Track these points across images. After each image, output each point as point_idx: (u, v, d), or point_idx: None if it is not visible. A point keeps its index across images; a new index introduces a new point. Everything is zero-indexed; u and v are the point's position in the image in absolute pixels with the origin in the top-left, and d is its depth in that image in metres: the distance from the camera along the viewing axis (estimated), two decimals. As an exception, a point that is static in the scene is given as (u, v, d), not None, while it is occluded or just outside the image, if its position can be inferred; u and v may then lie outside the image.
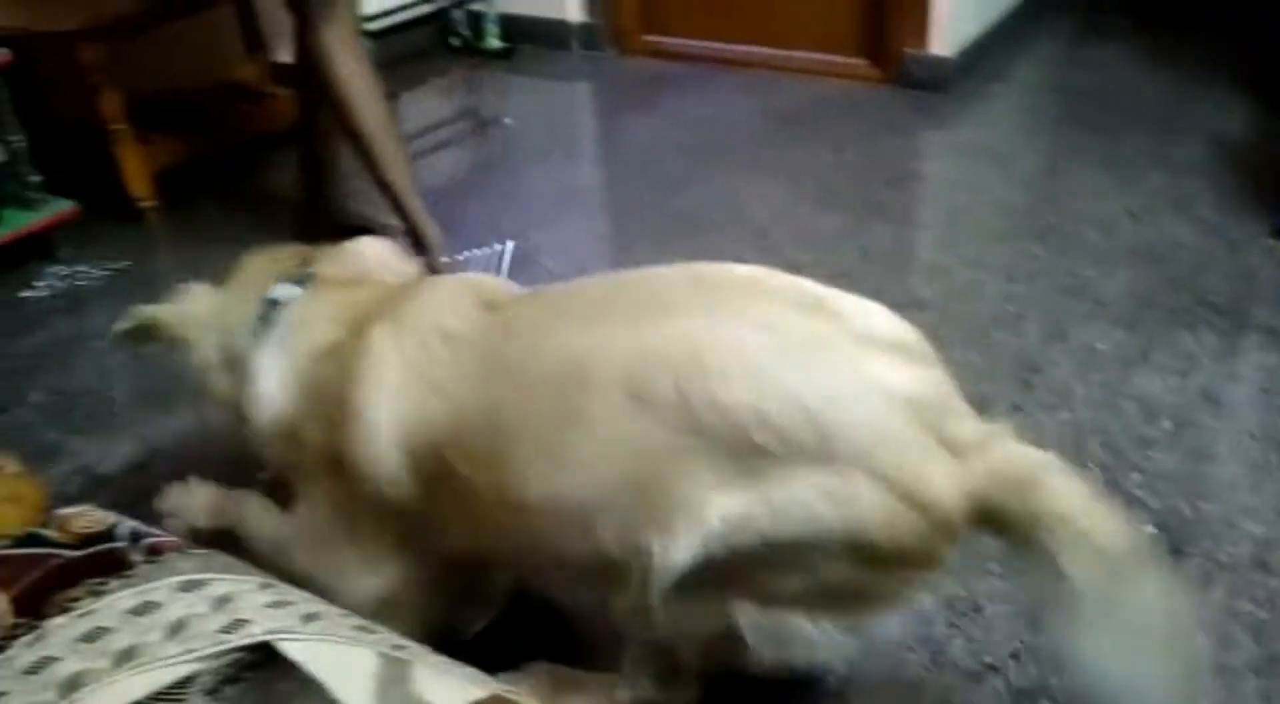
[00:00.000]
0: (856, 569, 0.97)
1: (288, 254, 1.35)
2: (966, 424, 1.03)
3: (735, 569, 0.97)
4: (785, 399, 0.93)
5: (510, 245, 2.37)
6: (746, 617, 1.01)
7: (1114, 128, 2.89)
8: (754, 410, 0.93)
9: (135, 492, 1.72)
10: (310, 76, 2.29)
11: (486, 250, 2.29)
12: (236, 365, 1.25)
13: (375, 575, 1.17)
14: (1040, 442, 1.67)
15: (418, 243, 2.23)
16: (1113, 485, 1.60)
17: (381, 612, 1.10)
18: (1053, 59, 3.56)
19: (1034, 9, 3.78)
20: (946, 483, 0.96)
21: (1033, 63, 3.50)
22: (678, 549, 0.94)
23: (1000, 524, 1.01)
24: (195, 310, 1.32)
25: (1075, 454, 1.68)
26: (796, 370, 0.95)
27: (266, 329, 1.21)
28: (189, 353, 1.32)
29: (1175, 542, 1.49)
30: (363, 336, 1.12)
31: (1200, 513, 1.54)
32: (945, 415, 1.00)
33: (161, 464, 1.80)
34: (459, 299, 1.14)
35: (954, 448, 0.98)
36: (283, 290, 1.24)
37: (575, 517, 1.00)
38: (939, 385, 1.03)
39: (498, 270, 2.26)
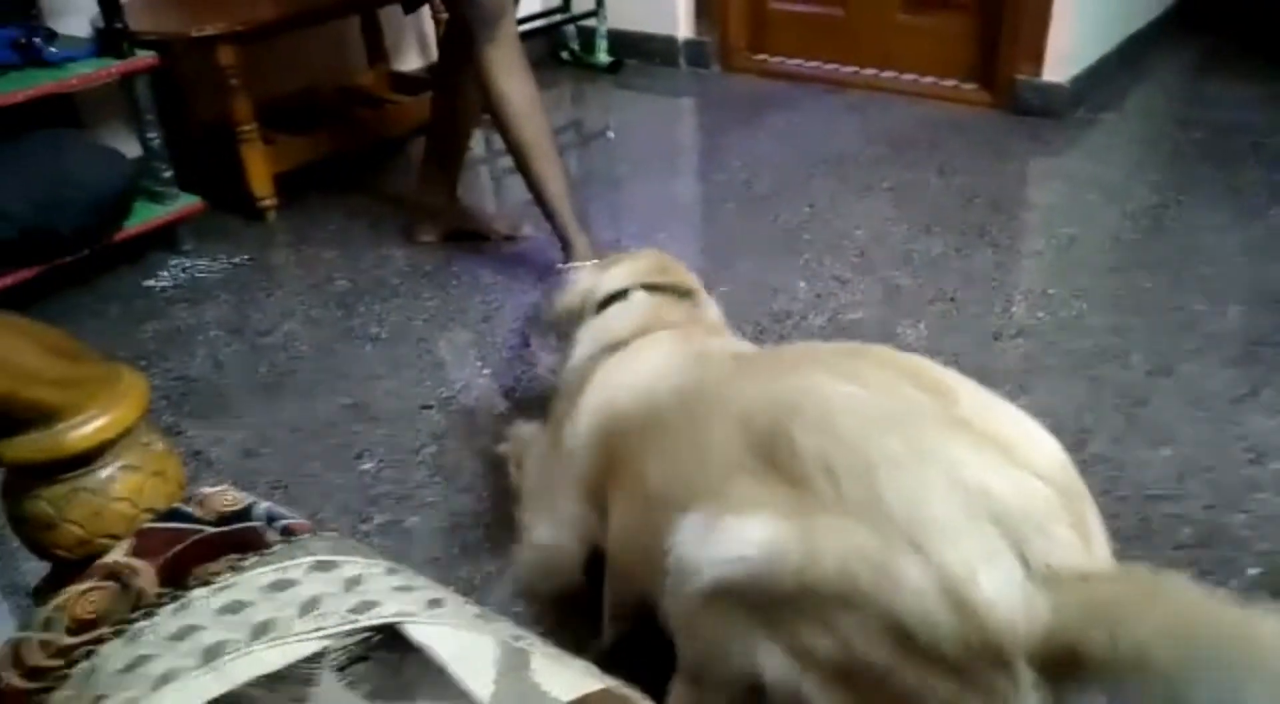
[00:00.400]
0: (889, 652, 0.88)
1: (665, 269, 1.60)
2: (1062, 551, 0.87)
3: (768, 604, 0.95)
4: (851, 451, 0.93)
5: None
6: (774, 667, 0.96)
7: (1232, 162, 2.81)
8: (819, 455, 0.94)
9: (246, 476, 1.82)
10: (448, 85, 2.39)
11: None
12: (575, 323, 1.54)
13: (551, 528, 1.43)
14: (1143, 477, 1.67)
15: (569, 252, 2.30)
16: (1216, 525, 1.57)
17: (539, 563, 1.44)
18: (1170, 91, 3.47)
19: (1152, 39, 3.70)
20: (1004, 596, 0.84)
21: (1149, 93, 3.43)
22: (712, 553, 0.96)
23: (1084, 673, 0.84)
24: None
25: (1178, 490, 1.65)
26: (871, 428, 0.94)
27: (594, 317, 1.50)
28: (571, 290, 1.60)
29: (1278, 585, 1.45)
30: (646, 336, 1.38)
31: (1308, 559, 1.50)
32: (1033, 531, 0.87)
33: (270, 452, 1.88)
34: (736, 345, 1.42)
35: (1033, 566, 0.85)
36: (639, 294, 1.50)
37: (663, 513, 1.06)
38: (1039, 499, 0.89)
39: None
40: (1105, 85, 3.36)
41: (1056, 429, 1.80)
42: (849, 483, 0.91)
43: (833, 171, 2.93)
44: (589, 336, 1.47)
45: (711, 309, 1.57)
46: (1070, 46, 3.13)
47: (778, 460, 0.98)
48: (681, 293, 1.52)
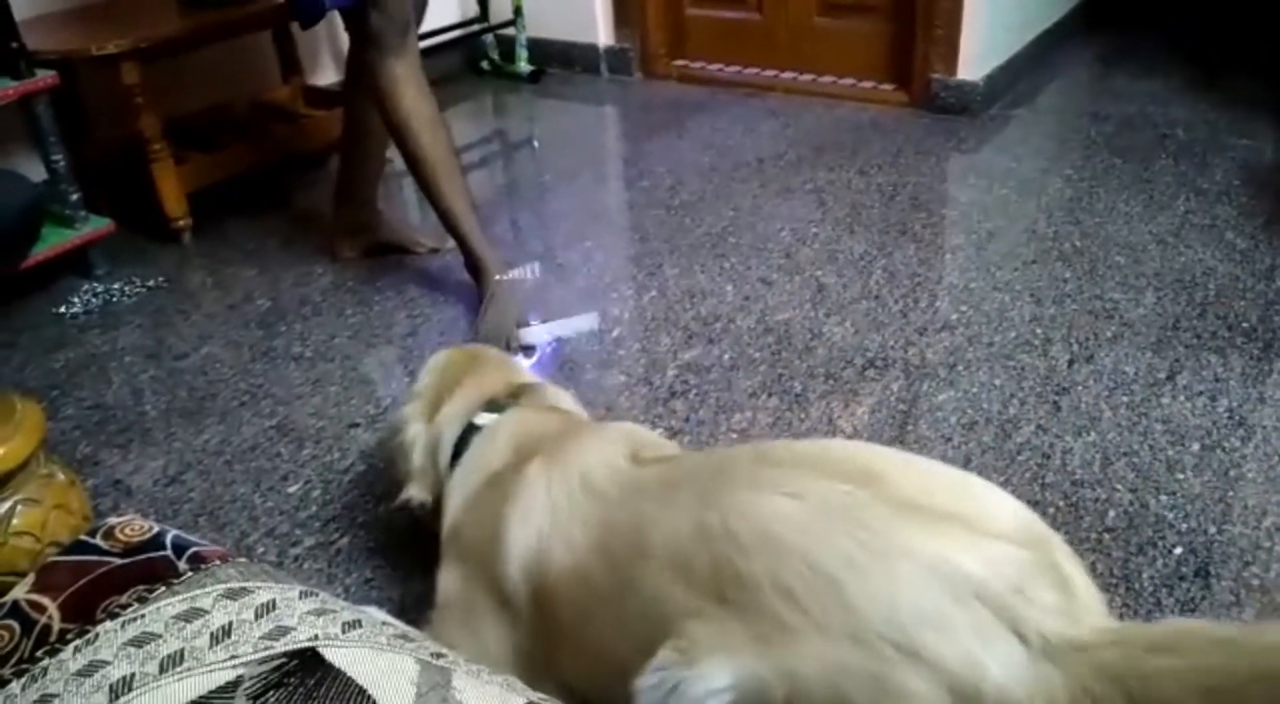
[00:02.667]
0: None
1: (497, 375, 1.51)
2: (1052, 618, 0.83)
3: None
4: (804, 567, 0.87)
5: (536, 266, 2.40)
6: None
7: (1143, 154, 2.89)
8: (772, 579, 0.88)
9: (168, 504, 1.76)
10: (358, 100, 2.35)
11: (517, 271, 2.31)
12: (434, 475, 1.42)
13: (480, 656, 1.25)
14: (1068, 463, 1.70)
15: (475, 268, 2.27)
16: (1141, 507, 1.60)
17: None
18: (1079, 86, 3.56)
19: (1060, 36, 3.80)
20: (1016, 680, 0.80)
21: (1061, 89, 3.51)
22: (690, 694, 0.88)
23: None
24: (419, 411, 1.47)
25: (1103, 476, 1.68)
26: (818, 538, 0.88)
27: (463, 450, 1.37)
28: (409, 447, 1.45)
29: (1204, 564, 1.49)
30: (523, 467, 1.23)
31: (1229, 535, 1.54)
32: (1020, 602, 0.82)
33: (192, 478, 1.83)
34: (611, 449, 1.21)
35: (1029, 638, 0.81)
36: (483, 417, 1.40)
37: (620, 673, 0.98)
38: (1013, 565, 0.85)
39: (527, 292, 2.29)
40: (1017, 82, 3.44)
41: (983, 420, 1.84)
42: (812, 601, 0.85)
43: (755, 175, 2.95)
44: (461, 480, 1.35)
45: (549, 392, 1.50)
46: (982, 45, 3.19)
47: (728, 597, 0.90)
48: (515, 393, 1.45)
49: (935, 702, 0.79)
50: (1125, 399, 1.87)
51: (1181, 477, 1.67)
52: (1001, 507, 0.93)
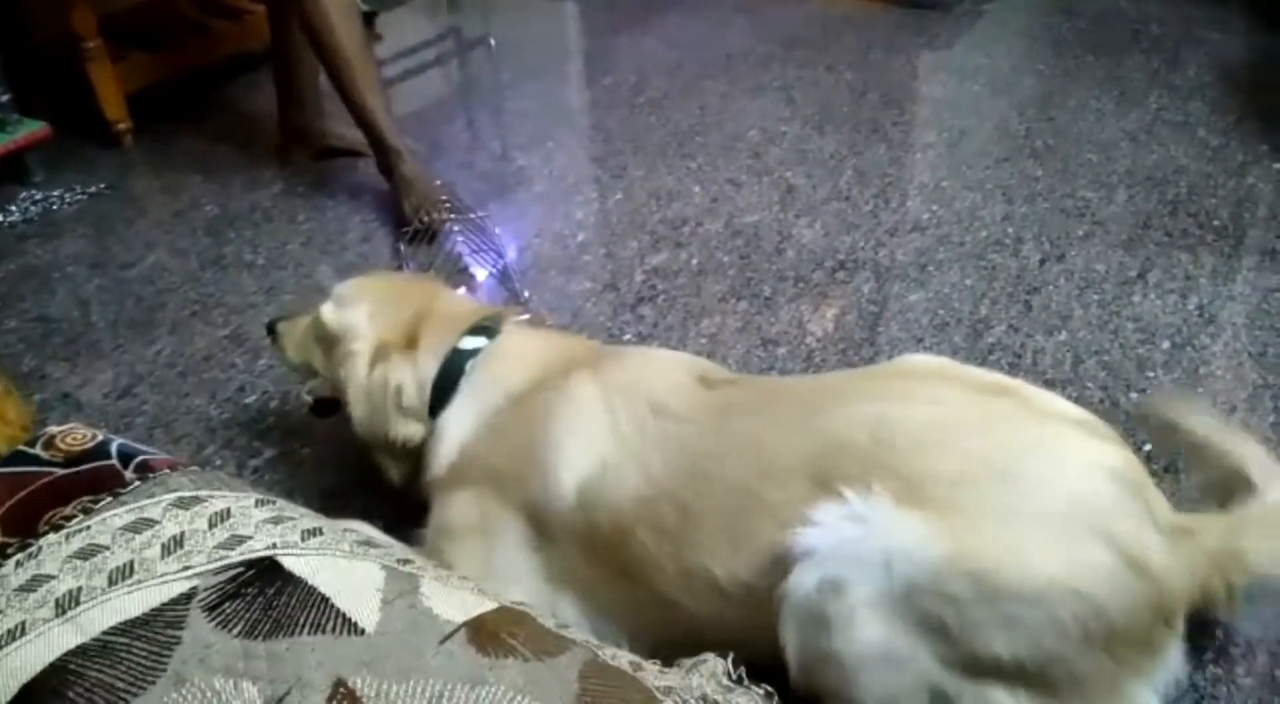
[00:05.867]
0: (1073, 643, 0.88)
1: (454, 299, 1.43)
2: (1161, 505, 0.99)
3: (938, 622, 0.88)
4: (986, 463, 0.92)
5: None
6: (949, 688, 0.91)
7: (1114, 49, 2.83)
8: (940, 475, 0.91)
9: (119, 418, 1.70)
10: None
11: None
12: (420, 411, 1.29)
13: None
14: (1039, 362, 1.69)
15: (388, 165, 2.18)
16: (1111, 405, 1.60)
17: None
18: (1051, -22, 3.48)
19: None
20: (1167, 557, 0.92)
21: (1031, -18, 3.42)
22: (887, 544, 0.89)
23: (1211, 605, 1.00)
24: (362, 328, 1.34)
25: (1074, 375, 1.67)
26: (987, 439, 0.94)
27: (457, 378, 1.27)
28: (350, 368, 1.32)
29: (1173, 460, 1.48)
30: (566, 382, 1.17)
31: (1199, 433, 1.54)
32: (1150, 493, 0.97)
33: (145, 391, 1.77)
34: (675, 373, 1.18)
35: (1160, 524, 0.95)
36: (470, 341, 1.29)
37: (751, 597, 0.98)
38: (1137, 464, 1.00)
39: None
40: (989, -23, 3.35)
41: (954, 320, 1.82)
42: (989, 488, 0.90)
43: (723, 72, 2.86)
44: (471, 405, 1.26)
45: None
46: (954, -63, 3.09)
47: (898, 496, 0.91)
48: (496, 315, 1.36)
49: (1118, 572, 0.88)
50: (1096, 297, 1.85)
51: (1152, 374, 1.66)
52: (1098, 420, 1.04)
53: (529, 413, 1.19)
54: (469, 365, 1.28)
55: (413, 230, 2.10)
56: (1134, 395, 1.62)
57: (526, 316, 1.43)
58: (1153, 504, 0.96)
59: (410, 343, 1.31)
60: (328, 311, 1.38)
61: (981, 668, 0.88)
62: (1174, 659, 0.97)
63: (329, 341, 1.38)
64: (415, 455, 1.32)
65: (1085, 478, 0.92)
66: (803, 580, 0.90)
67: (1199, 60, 2.74)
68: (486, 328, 1.32)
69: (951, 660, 0.88)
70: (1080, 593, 0.86)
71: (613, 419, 1.12)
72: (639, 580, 1.08)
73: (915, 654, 0.88)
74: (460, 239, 2.07)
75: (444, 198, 2.14)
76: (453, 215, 2.09)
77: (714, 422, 1.09)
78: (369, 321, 1.34)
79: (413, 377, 1.29)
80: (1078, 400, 1.59)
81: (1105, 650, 0.89)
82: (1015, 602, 0.86)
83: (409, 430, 1.30)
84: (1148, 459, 1.48)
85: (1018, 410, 1.00)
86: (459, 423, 1.26)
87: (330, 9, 2.04)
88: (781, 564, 0.93)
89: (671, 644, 0.94)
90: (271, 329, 1.50)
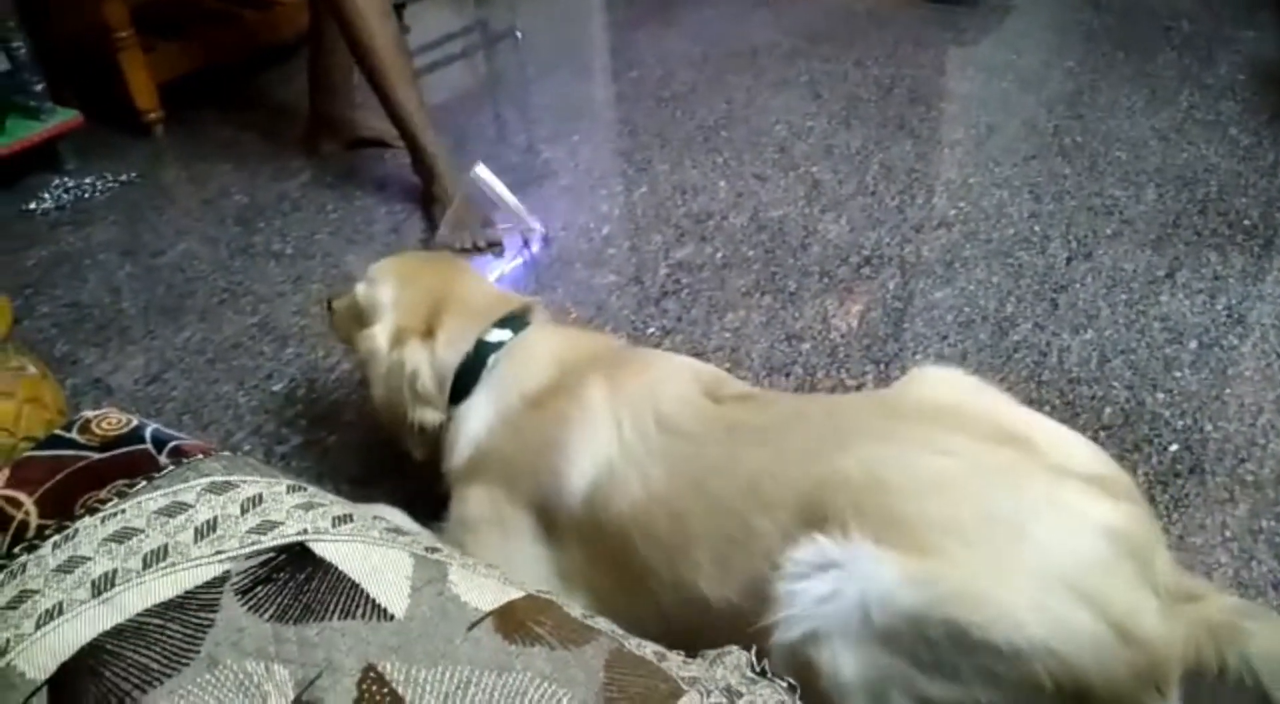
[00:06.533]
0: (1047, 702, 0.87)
1: (482, 287, 1.43)
2: (1166, 572, 0.96)
3: (917, 661, 0.88)
4: (980, 514, 0.90)
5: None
6: None
7: (1145, 47, 2.81)
8: (939, 523, 0.89)
9: (150, 403, 1.72)
10: None
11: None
12: (437, 397, 1.30)
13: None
14: (1064, 361, 1.68)
15: (421, 162, 2.19)
16: (1137, 405, 1.59)
17: None
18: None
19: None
20: (1161, 624, 0.89)
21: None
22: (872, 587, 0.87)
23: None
24: (384, 309, 1.36)
25: (1100, 374, 1.66)
26: (988, 491, 0.93)
27: (479, 371, 1.28)
28: (370, 349, 1.35)
29: (1198, 460, 1.48)
30: (579, 392, 1.18)
31: (1224, 432, 1.53)
32: (1154, 556, 0.94)
33: (174, 377, 1.79)
34: (685, 385, 1.18)
35: (1158, 591, 0.92)
36: (496, 334, 1.30)
37: (713, 610, 1.00)
38: (1146, 525, 0.97)
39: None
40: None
41: (980, 317, 1.82)
42: (986, 542, 0.89)
43: (748, 66, 2.85)
44: (491, 400, 1.27)
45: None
46: (984, -69, 3.07)
47: (880, 539, 0.90)
48: (523, 308, 1.36)
49: (1101, 636, 0.85)
50: (1124, 297, 1.84)
51: (1178, 374, 1.65)
52: (1119, 473, 1.02)
53: (543, 415, 1.21)
54: (492, 359, 1.29)
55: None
56: (1160, 395, 1.61)
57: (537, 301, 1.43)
58: (1155, 566, 0.93)
59: (429, 328, 1.32)
60: (360, 290, 1.40)
61: None
62: None
63: (360, 320, 1.40)
64: (435, 437, 1.34)
65: (1081, 537, 0.90)
66: (786, 635, 0.90)
67: (1231, 58, 2.71)
68: (514, 320, 1.33)
69: (932, 699, 0.88)
70: (1057, 653, 0.84)
71: (620, 428, 1.14)
72: (639, 588, 1.09)
73: (898, 691, 0.88)
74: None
75: (480, 219, 2.14)
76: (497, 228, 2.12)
77: (716, 441, 1.10)
78: (391, 304, 1.36)
79: (429, 363, 1.30)
80: (1103, 400, 1.61)
81: None
82: (990, 654, 0.85)
83: (425, 415, 1.31)
84: (1173, 462, 1.48)
85: (1027, 463, 0.97)
86: (478, 417, 1.27)
87: (368, 11, 2.05)
88: (765, 599, 0.92)
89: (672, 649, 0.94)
90: (329, 305, 1.53)
